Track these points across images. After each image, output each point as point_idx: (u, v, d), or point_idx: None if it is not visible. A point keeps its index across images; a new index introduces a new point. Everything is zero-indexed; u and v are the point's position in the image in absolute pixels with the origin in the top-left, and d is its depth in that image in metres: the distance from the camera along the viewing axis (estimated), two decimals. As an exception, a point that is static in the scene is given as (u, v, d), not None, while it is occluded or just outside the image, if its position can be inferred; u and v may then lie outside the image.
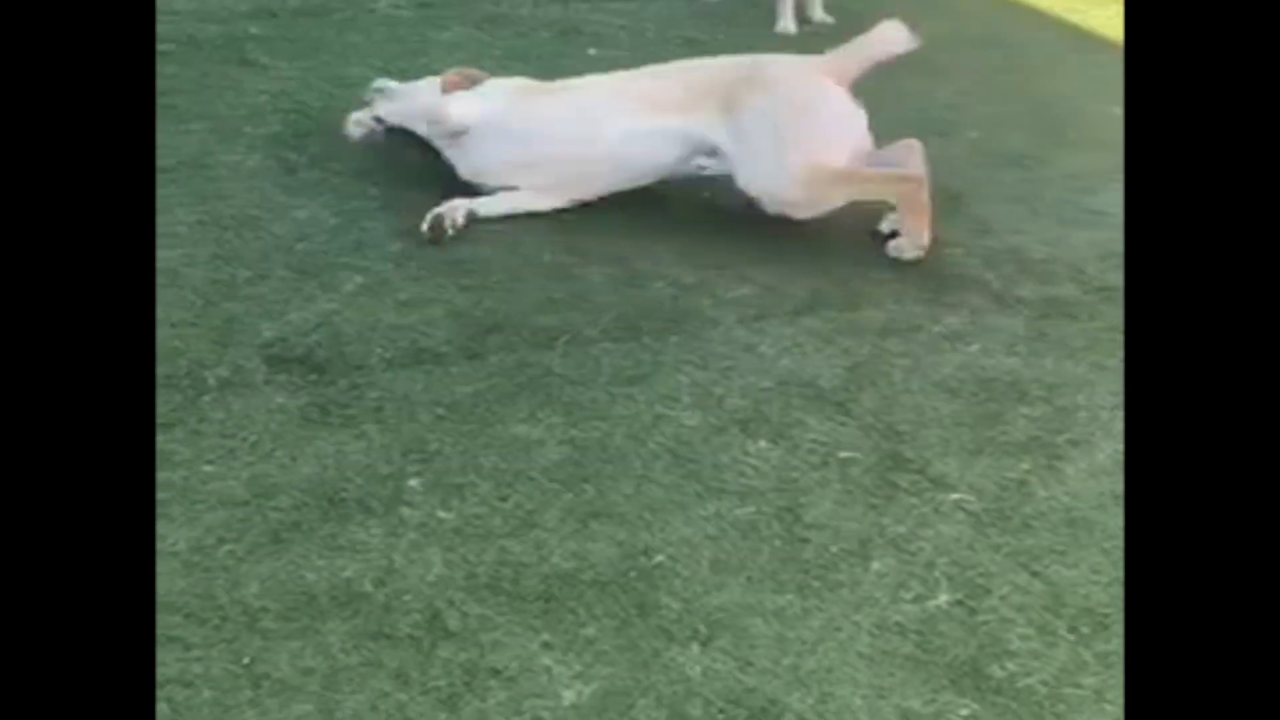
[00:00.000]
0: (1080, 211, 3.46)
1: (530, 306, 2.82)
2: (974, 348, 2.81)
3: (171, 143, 3.38)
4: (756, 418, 2.51)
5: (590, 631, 1.99)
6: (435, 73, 3.48)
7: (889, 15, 3.33)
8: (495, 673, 1.91)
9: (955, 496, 2.35)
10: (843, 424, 2.51)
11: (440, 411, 2.45)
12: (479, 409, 2.46)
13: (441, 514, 2.20)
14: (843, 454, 2.43)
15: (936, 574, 2.16)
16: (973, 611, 2.10)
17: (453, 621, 1.99)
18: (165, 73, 3.80)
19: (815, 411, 2.54)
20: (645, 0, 4.90)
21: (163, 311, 2.65)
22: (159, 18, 4.17)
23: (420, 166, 3.36)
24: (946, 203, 3.44)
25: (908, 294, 3.00)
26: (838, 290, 2.99)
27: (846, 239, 3.22)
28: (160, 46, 3.99)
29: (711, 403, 2.54)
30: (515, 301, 2.83)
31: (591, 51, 4.26)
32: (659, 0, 4.92)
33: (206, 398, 2.42)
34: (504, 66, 3.91)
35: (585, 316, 2.80)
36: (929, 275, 3.08)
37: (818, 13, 4.82)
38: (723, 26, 4.63)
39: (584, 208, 3.23)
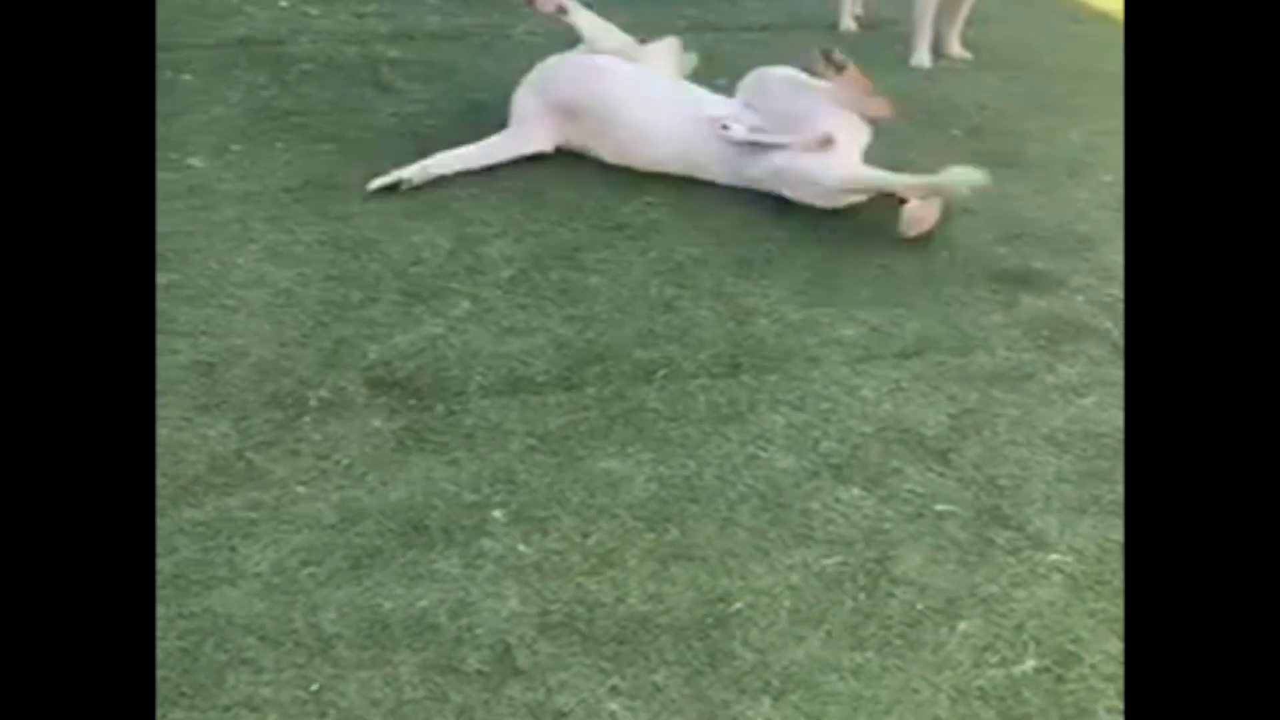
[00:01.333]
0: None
1: (632, 338, 2.77)
2: (1088, 400, 2.68)
3: (300, 162, 3.42)
4: (851, 463, 2.42)
5: (660, 678, 1.93)
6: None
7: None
8: (561, 715, 1.86)
9: (1053, 557, 2.23)
10: (941, 475, 2.41)
11: (531, 442, 2.41)
12: (570, 441, 2.42)
13: (522, 548, 2.15)
14: (939, 506, 2.33)
15: (1025, 638, 2.05)
16: (1060, 679, 1.98)
17: (523, 659, 1.94)
18: (301, 92, 3.86)
19: (914, 460, 2.44)
20: (784, 30, 4.82)
21: (274, 330, 2.67)
22: (302, 39, 4.28)
23: (541, 190, 3.34)
24: (1072, 246, 3.31)
25: (1022, 340, 2.88)
26: (949, 333, 2.88)
27: (961, 279, 3.11)
28: (301, 67, 4.07)
29: (806, 445, 2.46)
30: (617, 333, 2.78)
31: (720, 82, 4.20)
32: (798, 30, 4.84)
33: (307, 418, 2.42)
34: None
35: (686, 351, 2.74)
36: (1046, 321, 2.95)
37: (955, 48, 4.69)
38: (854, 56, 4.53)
39: (693, 242, 3.17)
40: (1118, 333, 2.92)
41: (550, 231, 3.18)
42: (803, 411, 2.57)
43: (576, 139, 3.58)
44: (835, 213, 3.37)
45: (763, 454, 2.43)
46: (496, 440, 2.41)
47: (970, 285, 3.10)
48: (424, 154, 3.49)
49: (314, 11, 4.52)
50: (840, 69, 3.54)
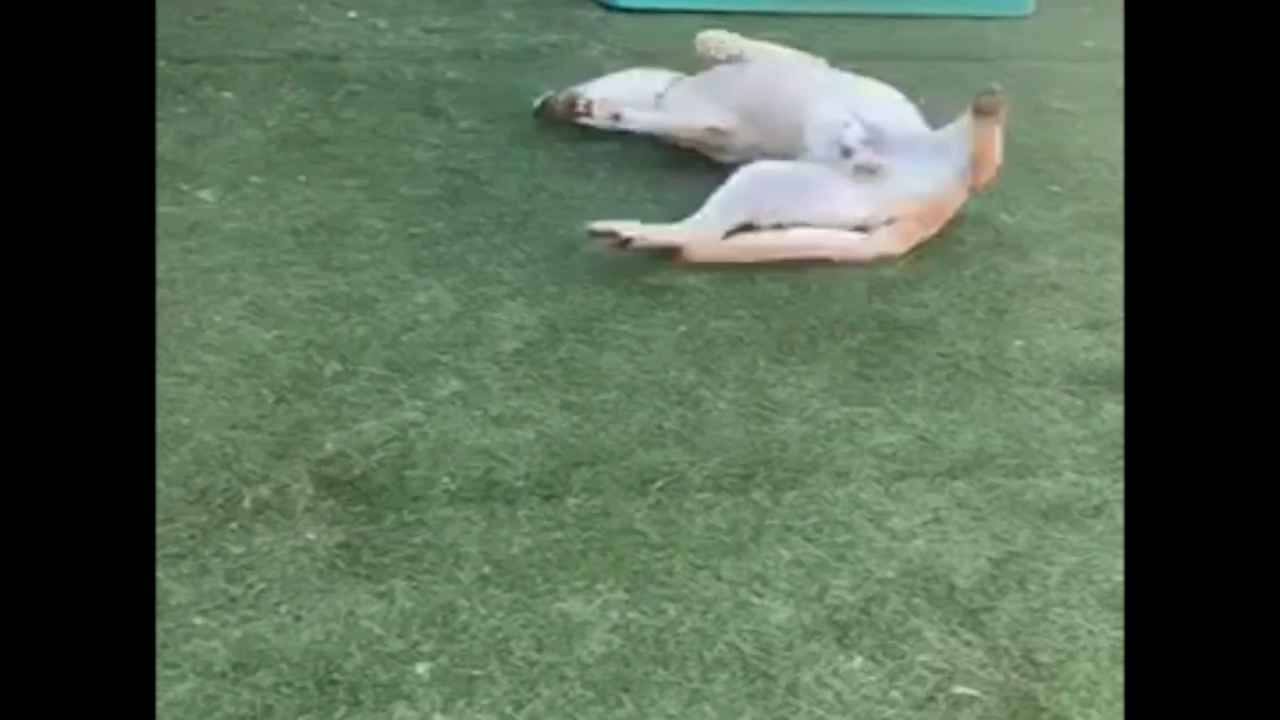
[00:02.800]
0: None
1: (635, 436, 2.35)
2: (1162, 547, 2.19)
3: (318, 199, 3.06)
4: (861, 622, 1.97)
5: None
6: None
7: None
8: None
9: (1094, 774, 1.77)
10: (968, 643, 1.95)
11: (487, 570, 2.01)
12: (532, 571, 2.01)
13: (438, 718, 1.76)
14: (957, 689, 1.87)
15: None
16: None
17: None
18: (343, 117, 3.51)
19: (938, 620, 1.98)
20: (882, 59, 4.33)
21: (228, 408, 2.31)
22: (359, 55, 3.94)
23: (575, 242, 2.94)
24: (1172, 337, 2.79)
25: (1096, 461, 2.38)
26: (1007, 446, 2.40)
27: (1035, 374, 2.62)
28: (350, 87, 3.71)
29: (811, 593, 2.02)
30: (619, 428, 2.36)
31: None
32: (899, 60, 4.35)
33: (233, 525, 2.05)
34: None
35: (694, 455, 2.31)
36: (1127, 436, 2.46)
37: None
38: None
39: (731, 314, 2.73)
40: (1212, 457, 2.42)
41: (572, 294, 2.76)
42: (816, 545, 2.12)
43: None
44: (894, 285, 2.90)
45: (757, 600, 2.00)
46: (445, 566, 2.01)
47: (1044, 383, 2.61)
48: (457, 198, 3.12)
49: (382, 24, 4.16)
50: (985, 113, 3.01)
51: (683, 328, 2.69)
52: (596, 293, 2.78)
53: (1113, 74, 4.29)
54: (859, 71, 3.49)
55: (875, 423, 2.44)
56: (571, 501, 2.18)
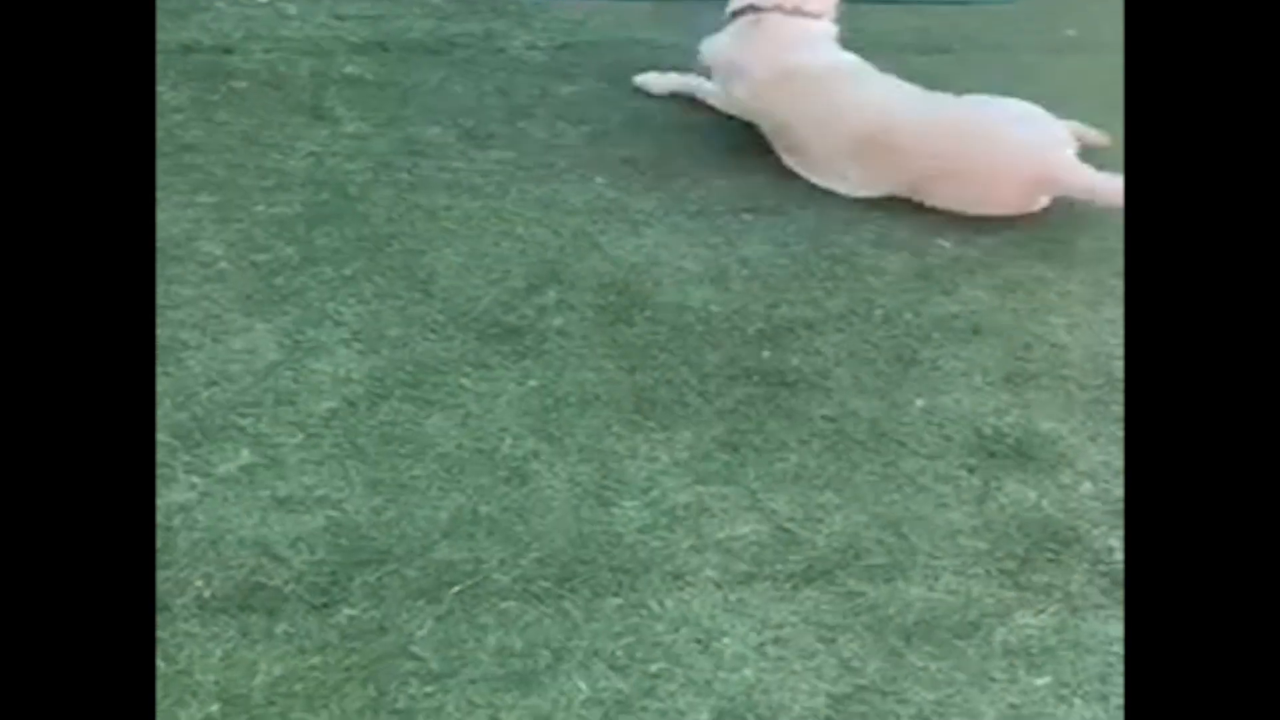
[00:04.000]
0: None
1: (443, 524, 1.98)
2: (1042, 681, 1.79)
3: (161, 220, 2.68)
4: (651, 787, 1.61)
5: None
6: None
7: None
8: None
9: None
10: (779, 816, 1.59)
11: (213, 710, 1.66)
12: (268, 711, 1.66)
13: None
14: None
15: None
16: None
17: None
18: (218, 120, 3.12)
19: (750, 782, 1.62)
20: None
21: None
22: (255, 46, 3.54)
23: (436, 272, 2.57)
24: (1102, 395, 2.38)
25: (982, 559, 1.99)
26: (881, 542, 2.01)
27: (932, 444, 2.22)
28: (234, 84, 3.33)
29: (601, 744, 1.66)
30: (426, 514, 1.99)
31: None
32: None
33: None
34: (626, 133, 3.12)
35: (507, 550, 1.94)
36: (1026, 528, 2.05)
37: None
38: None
39: (594, 365, 2.35)
40: (1119, 555, 2.02)
41: (416, 339, 2.38)
42: (623, 676, 1.75)
43: None
44: (790, 327, 2.50)
45: (533, 754, 1.65)
46: (166, 704, 1.66)
47: (940, 455, 2.21)
48: (318, 217, 2.75)
49: (291, 10, 3.75)
50: None
51: (533, 382, 2.31)
52: (445, 337, 2.40)
53: (1092, 68, 3.87)
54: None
55: (731, 508, 2.06)
56: (345, 613, 1.82)
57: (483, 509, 2.01)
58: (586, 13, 3.86)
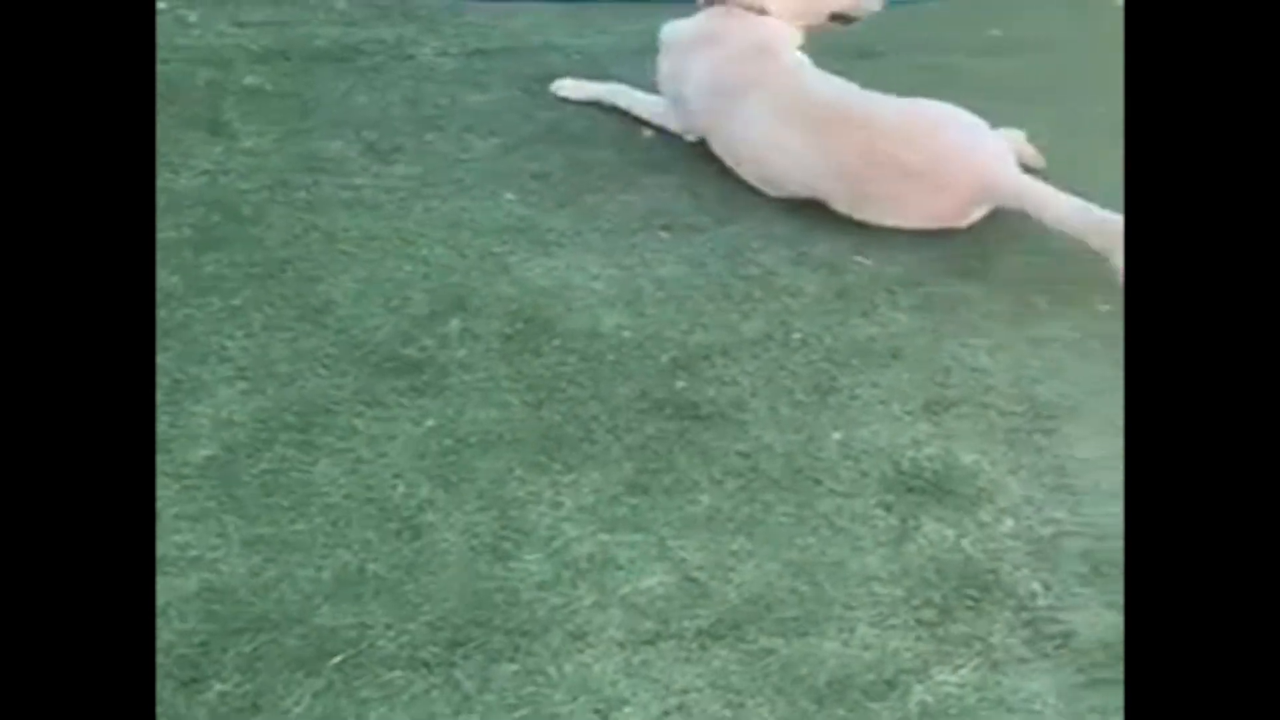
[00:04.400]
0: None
1: (327, 585, 1.83)
2: (957, 751, 1.69)
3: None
4: None
5: None
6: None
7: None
8: None
9: None
10: None
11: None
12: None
13: None
14: None
15: None
16: None
17: None
18: (106, 137, 2.96)
19: None
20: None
21: None
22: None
23: (332, 300, 2.41)
24: (1026, 424, 2.28)
25: (899, 609, 1.87)
26: (795, 592, 1.89)
27: (849, 481, 2.10)
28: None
29: (485, 836, 1.53)
30: (309, 574, 1.84)
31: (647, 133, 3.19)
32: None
33: None
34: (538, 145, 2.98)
35: (396, 613, 1.80)
36: (945, 571, 1.94)
37: None
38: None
39: (499, 401, 2.21)
40: (1043, 600, 1.91)
41: (306, 376, 2.23)
42: (513, 753, 1.63)
43: None
44: (706, 355, 2.38)
45: None
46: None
47: (857, 493, 2.09)
48: (207, 242, 2.58)
49: (191, 17, 3.57)
50: None
51: (431, 421, 2.17)
52: (338, 373, 2.25)
53: (1015, 70, 3.77)
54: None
55: (638, 557, 1.93)
56: (216, 689, 1.67)
57: (370, 567, 1.87)
58: (501, 16, 3.72)
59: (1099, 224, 2.58)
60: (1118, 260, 2.58)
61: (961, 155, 2.74)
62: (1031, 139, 3.10)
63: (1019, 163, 3.00)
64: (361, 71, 3.39)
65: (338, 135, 3.04)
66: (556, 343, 2.39)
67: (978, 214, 2.80)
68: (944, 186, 2.73)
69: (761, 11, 3.04)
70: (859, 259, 2.72)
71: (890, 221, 2.79)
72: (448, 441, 2.12)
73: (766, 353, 2.41)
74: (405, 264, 2.58)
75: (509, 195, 2.85)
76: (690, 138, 3.04)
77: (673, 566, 1.92)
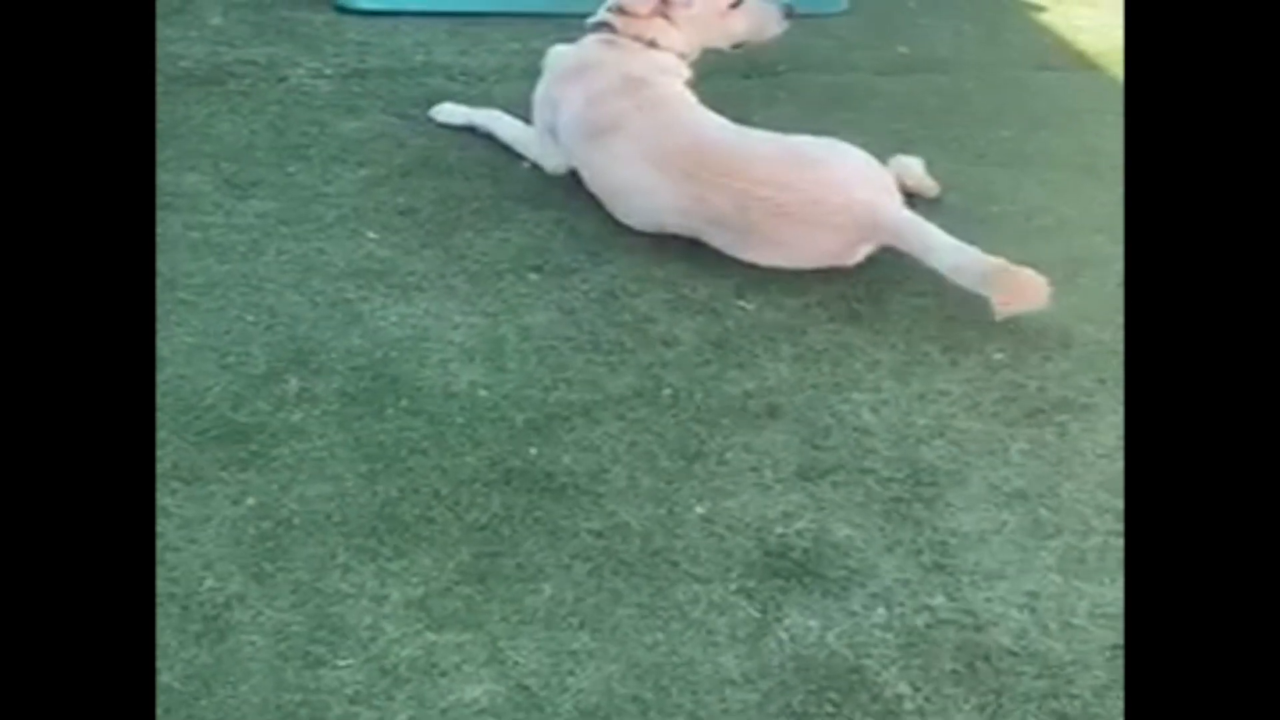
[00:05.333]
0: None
1: None
2: None
3: None
4: None
5: None
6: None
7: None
8: None
9: None
10: None
11: None
12: None
13: None
14: None
15: None
16: None
17: None
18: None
19: None
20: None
21: None
22: None
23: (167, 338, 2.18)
24: (918, 489, 2.08)
25: None
26: (638, 700, 1.65)
27: (714, 560, 1.89)
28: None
29: None
30: None
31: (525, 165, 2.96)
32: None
33: None
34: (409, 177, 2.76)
35: (182, 738, 1.58)
36: (804, 672, 1.73)
37: None
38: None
39: (331, 473, 1.97)
40: (910, 703, 1.71)
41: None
42: None
43: None
44: (567, 416, 2.16)
45: None
46: None
47: (716, 577, 1.87)
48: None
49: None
50: None
51: (251, 500, 1.93)
52: (156, 444, 2.02)
53: (920, 89, 3.59)
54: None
55: (464, 662, 1.71)
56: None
57: (164, 677, 1.64)
58: (384, 34, 3.48)
59: (971, 263, 2.42)
60: (996, 302, 2.42)
61: (841, 193, 2.54)
62: (931, 166, 2.92)
63: (917, 193, 2.82)
64: (228, 95, 3.14)
65: (193, 168, 2.79)
66: (404, 403, 2.17)
67: (864, 252, 2.61)
68: (825, 226, 2.53)
69: (651, 43, 2.84)
70: (740, 303, 2.52)
71: (773, 262, 2.59)
72: (266, 524, 1.89)
73: (633, 412, 2.20)
74: (248, 314, 2.35)
75: (371, 234, 2.62)
76: (560, 173, 2.83)
77: (503, 673, 1.70)
